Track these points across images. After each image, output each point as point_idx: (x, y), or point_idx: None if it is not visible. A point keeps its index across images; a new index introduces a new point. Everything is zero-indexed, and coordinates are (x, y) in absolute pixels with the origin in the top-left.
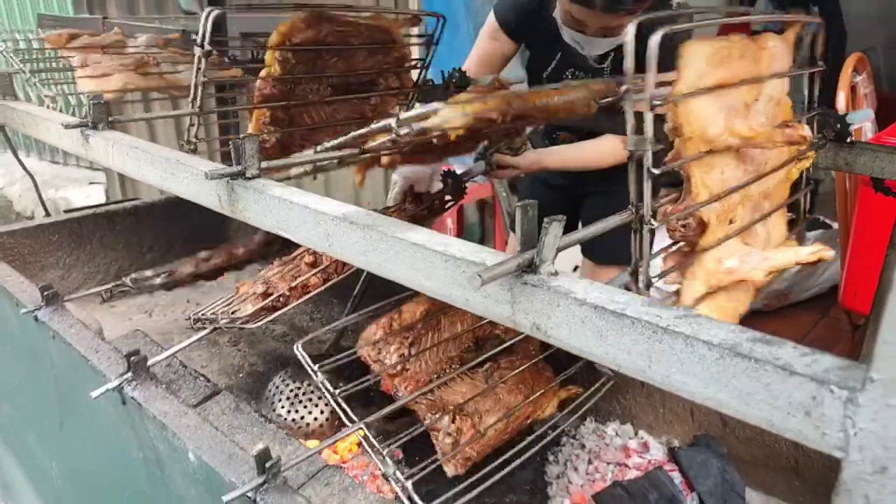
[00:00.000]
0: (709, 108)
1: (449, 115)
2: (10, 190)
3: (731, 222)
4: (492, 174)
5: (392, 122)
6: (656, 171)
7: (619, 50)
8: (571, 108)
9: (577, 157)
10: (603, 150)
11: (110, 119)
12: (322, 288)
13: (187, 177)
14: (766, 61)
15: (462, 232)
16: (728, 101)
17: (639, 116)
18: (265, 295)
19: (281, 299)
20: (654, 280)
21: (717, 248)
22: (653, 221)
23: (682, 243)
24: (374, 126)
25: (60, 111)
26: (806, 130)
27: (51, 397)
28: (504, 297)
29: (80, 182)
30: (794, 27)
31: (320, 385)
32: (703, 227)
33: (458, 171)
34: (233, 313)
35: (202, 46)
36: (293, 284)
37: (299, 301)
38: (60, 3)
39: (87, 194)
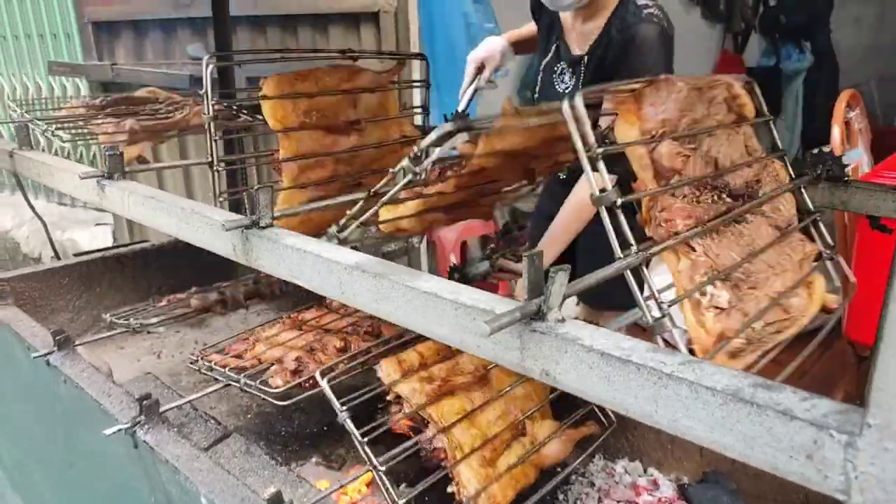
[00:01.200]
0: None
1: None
2: (17, 232)
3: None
4: (494, 276)
5: (405, 162)
6: (620, 201)
7: (597, 43)
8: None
9: (564, 234)
10: (582, 209)
11: (126, 170)
12: (349, 375)
13: (202, 226)
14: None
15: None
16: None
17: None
18: (295, 373)
19: (311, 381)
20: (665, 307)
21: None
22: (635, 254)
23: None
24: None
25: (68, 156)
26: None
27: (61, 441)
28: (514, 344)
29: (86, 223)
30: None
31: (344, 423)
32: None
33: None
34: (260, 381)
35: (209, 113)
36: (323, 368)
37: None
38: (70, 50)
39: (94, 236)
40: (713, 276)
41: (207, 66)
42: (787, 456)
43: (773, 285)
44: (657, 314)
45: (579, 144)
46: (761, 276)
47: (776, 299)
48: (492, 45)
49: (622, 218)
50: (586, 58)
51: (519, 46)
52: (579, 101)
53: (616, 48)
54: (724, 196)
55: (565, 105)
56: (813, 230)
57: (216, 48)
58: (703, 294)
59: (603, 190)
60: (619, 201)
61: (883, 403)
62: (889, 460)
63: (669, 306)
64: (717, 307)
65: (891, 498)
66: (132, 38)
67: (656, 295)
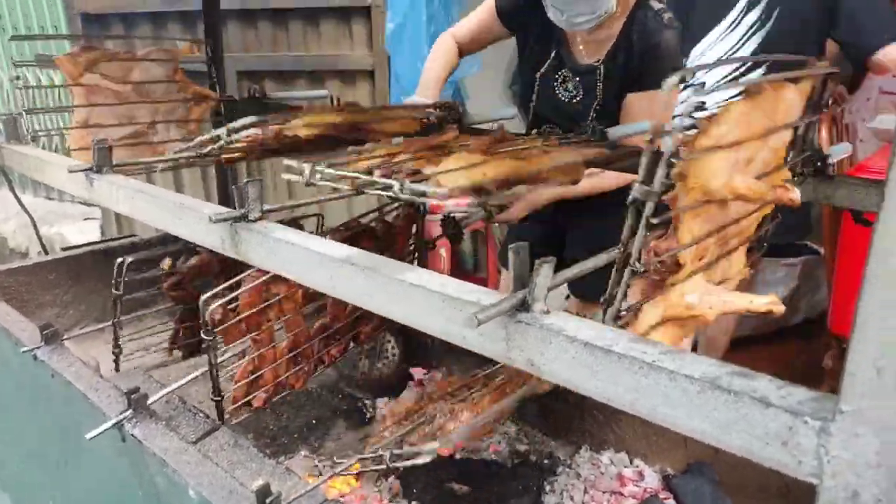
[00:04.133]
0: (719, 164)
1: (452, 184)
2: (4, 226)
3: (701, 259)
4: (495, 219)
5: (395, 185)
6: (655, 221)
7: (613, 51)
8: (562, 173)
9: (582, 187)
10: (605, 179)
11: (114, 164)
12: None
13: (191, 220)
14: (782, 113)
15: (456, 261)
16: (737, 156)
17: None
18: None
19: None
20: (622, 313)
21: (683, 283)
22: (637, 265)
23: (653, 276)
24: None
25: (56, 150)
26: (795, 194)
27: (49, 435)
28: (499, 335)
29: (74, 218)
30: (812, 78)
31: None
32: (678, 266)
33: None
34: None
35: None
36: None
37: None
38: (58, 43)
39: (82, 230)
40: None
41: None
42: (763, 442)
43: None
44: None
45: (668, 140)
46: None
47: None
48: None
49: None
50: (602, 67)
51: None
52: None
53: (639, 55)
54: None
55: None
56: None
57: (206, 42)
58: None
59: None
60: (650, 207)
61: (855, 390)
62: (860, 445)
63: (629, 310)
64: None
65: (861, 482)
66: (121, 32)
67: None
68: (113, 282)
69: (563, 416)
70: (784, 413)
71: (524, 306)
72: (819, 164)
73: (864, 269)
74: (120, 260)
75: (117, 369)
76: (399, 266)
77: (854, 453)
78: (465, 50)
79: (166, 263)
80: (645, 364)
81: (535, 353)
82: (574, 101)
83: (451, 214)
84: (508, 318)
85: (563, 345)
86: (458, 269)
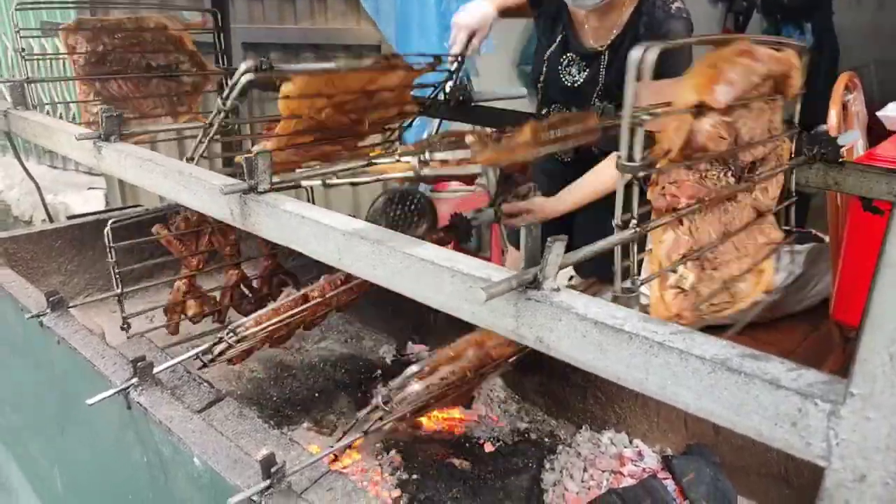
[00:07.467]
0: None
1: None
2: (8, 194)
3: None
4: (502, 222)
5: (414, 161)
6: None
7: (620, 38)
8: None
9: (585, 195)
10: (607, 180)
11: (122, 132)
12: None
13: (200, 190)
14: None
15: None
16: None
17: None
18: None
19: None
20: (637, 283)
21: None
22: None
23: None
24: (396, 173)
25: (60, 117)
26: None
27: (54, 402)
28: (509, 312)
29: (79, 187)
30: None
31: None
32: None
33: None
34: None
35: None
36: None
37: None
38: (63, 11)
39: (87, 199)
40: (688, 257)
41: (244, 73)
42: (773, 423)
43: (731, 268)
44: (629, 286)
45: (629, 101)
46: (726, 258)
47: (727, 283)
48: (483, 14)
49: (636, 191)
50: (607, 53)
51: (504, 13)
52: (652, 55)
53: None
54: (728, 174)
55: (634, 55)
56: (784, 215)
57: (213, 12)
58: (674, 272)
59: (631, 159)
60: (642, 174)
61: (866, 374)
62: (870, 429)
63: (641, 283)
64: (680, 288)
65: (870, 465)
66: (127, 2)
67: (634, 270)
68: (107, 249)
69: (565, 396)
70: (794, 395)
71: (534, 283)
72: (829, 149)
73: (879, 256)
74: (107, 228)
75: (128, 334)
76: (408, 240)
77: (863, 436)
78: (500, 15)
79: (158, 229)
80: (655, 343)
81: (545, 331)
82: (577, 84)
83: (461, 213)
84: (518, 294)
85: (573, 322)
86: (461, 249)
